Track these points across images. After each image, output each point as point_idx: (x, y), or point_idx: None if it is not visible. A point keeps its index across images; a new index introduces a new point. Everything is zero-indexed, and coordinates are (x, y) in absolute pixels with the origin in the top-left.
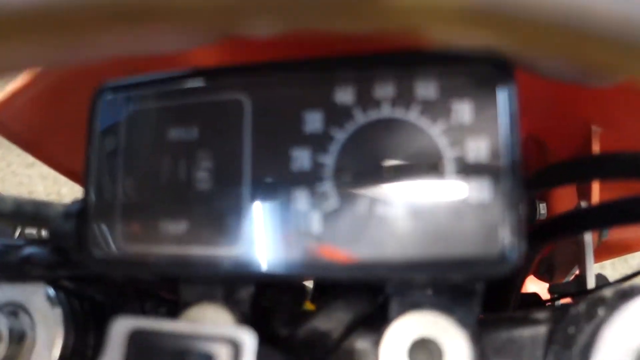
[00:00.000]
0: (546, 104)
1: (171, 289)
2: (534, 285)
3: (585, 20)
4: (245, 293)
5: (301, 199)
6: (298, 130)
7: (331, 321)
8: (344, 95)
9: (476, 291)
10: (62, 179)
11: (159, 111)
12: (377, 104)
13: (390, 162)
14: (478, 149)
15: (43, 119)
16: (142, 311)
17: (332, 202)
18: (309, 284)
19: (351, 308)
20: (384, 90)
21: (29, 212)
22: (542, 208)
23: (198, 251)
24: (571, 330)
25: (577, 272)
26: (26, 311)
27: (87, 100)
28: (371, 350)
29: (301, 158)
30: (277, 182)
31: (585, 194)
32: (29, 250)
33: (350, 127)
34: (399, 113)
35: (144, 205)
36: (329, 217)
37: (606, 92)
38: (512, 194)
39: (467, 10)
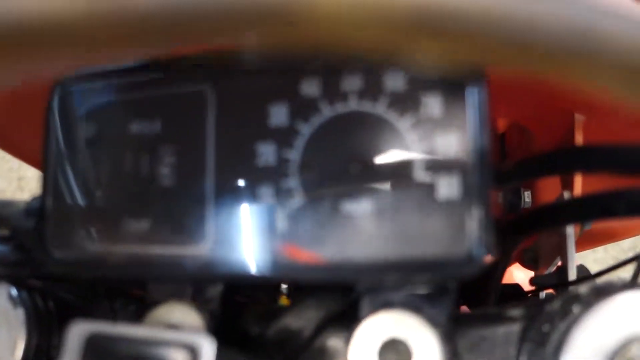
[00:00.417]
0: (530, 92)
1: (141, 286)
2: (522, 273)
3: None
4: (215, 291)
5: (266, 196)
6: (263, 124)
7: (302, 319)
8: (310, 88)
9: (449, 289)
10: None
11: (119, 104)
12: (344, 96)
13: (357, 158)
14: (447, 144)
15: (5, 108)
16: (112, 310)
17: (298, 199)
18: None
19: (323, 306)
20: (352, 82)
21: None
22: (527, 196)
23: (161, 250)
24: (545, 327)
25: (560, 262)
26: None
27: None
28: (343, 348)
29: (266, 153)
30: (242, 178)
31: (568, 184)
32: None
33: (317, 121)
34: (366, 106)
35: (104, 202)
36: (294, 215)
37: None
38: (481, 191)
39: (394, 20)
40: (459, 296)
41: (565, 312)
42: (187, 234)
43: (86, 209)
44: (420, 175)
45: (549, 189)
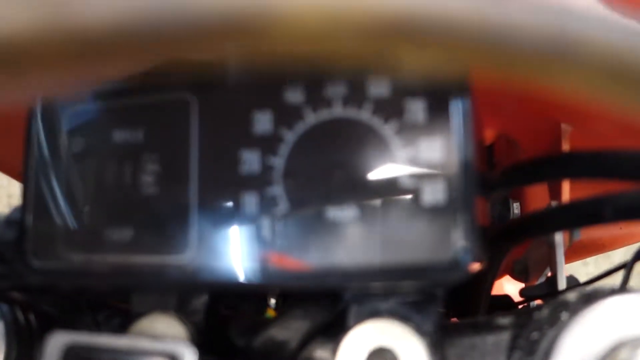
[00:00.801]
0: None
1: (124, 298)
2: (511, 286)
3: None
4: (199, 303)
5: (250, 204)
6: (247, 132)
7: (289, 330)
8: (294, 95)
9: (436, 297)
10: None
11: (101, 112)
12: (328, 103)
13: (342, 164)
14: (431, 149)
15: None
16: (95, 323)
17: (282, 207)
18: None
19: (309, 317)
20: (336, 89)
21: None
22: (516, 207)
23: (144, 260)
24: (534, 335)
25: (550, 273)
26: None
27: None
28: (330, 359)
29: (250, 161)
30: (226, 186)
31: (556, 193)
32: None
33: (301, 128)
34: (351, 112)
35: (86, 211)
36: (279, 222)
37: None
38: (466, 197)
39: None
40: (449, 308)
41: (553, 319)
42: (170, 243)
43: (68, 218)
44: (405, 181)
45: (538, 200)
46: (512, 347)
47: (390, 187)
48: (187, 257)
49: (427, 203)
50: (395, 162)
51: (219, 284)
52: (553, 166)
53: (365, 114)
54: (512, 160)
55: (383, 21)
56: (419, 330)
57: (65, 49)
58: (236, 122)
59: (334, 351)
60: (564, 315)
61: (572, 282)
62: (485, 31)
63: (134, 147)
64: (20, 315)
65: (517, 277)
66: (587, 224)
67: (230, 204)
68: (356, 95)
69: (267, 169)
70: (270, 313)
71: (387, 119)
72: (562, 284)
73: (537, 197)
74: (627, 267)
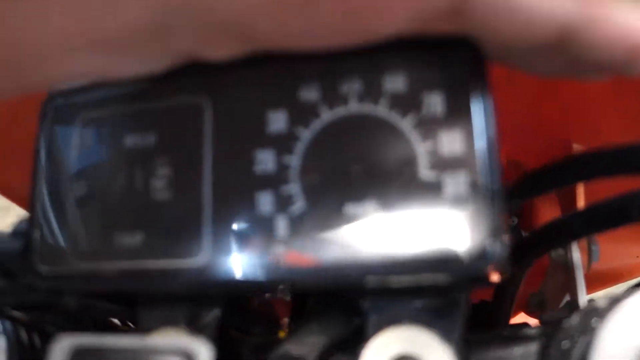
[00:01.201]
0: (527, 127)
1: (129, 316)
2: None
3: None
4: (211, 317)
5: (266, 204)
6: (261, 131)
7: (304, 346)
8: (309, 92)
9: (459, 303)
10: None
11: (113, 117)
12: (344, 100)
13: (360, 160)
14: (452, 141)
15: None
16: None
17: (299, 205)
18: (284, 311)
19: (326, 331)
20: (351, 85)
21: None
22: (513, 221)
23: (157, 264)
24: (565, 344)
25: (568, 298)
26: None
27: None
28: None
29: (265, 160)
30: (240, 187)
31: (569, 204)
32: None
33: (316, 126)
34: (367, 108)
35: (97, 217)
36: (295, 221)
37: (587, 109)
38: (490, 187)
39: None
40: (469, 327)
41: (584, 326)
42: (183, 247)
43: (78, 223)
44: (426, 174)
45: (540, 215)
46: (542, 357)
47: (410, 180)
48: (200, 260)
49: (449, 195)
50: (415, 155)
51: (234, 285)
52: (573, 167)
53: (382, 109)
54: None
55: None
56: (445, 337)
57: None
58: (250, 122)
59: None
60: (595, 322)
61: None
62: None
63: (145, 151)
64: (23, 334)
65: (533, 312)
66: (614, 225)
67: (244, 204)
68: (372, 90)
69: (282, 167)
70: (282, 335)
71: (404, 113)
72: (583, 303)
73: (539, 212)
74: None
